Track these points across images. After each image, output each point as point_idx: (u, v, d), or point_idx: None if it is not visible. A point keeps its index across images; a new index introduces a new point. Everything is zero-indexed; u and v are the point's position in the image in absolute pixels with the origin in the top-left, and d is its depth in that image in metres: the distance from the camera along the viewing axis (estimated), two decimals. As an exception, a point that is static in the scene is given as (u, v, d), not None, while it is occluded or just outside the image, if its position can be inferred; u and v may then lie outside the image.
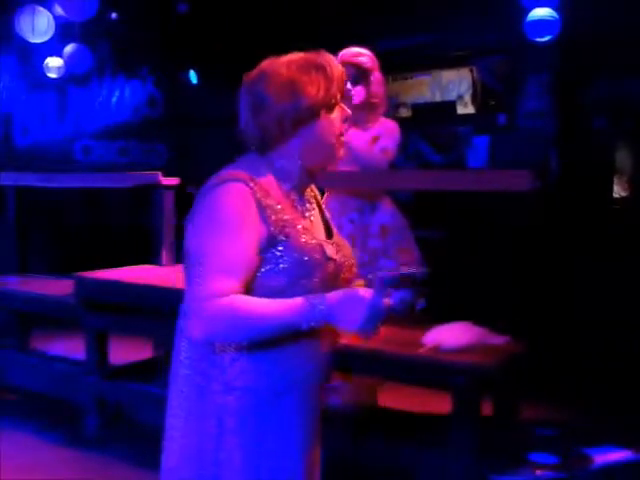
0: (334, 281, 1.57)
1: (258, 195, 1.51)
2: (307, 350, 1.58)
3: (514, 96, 5.74)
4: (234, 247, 1.47)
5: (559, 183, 5.39)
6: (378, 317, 1.46)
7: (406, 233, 3.31)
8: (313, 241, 1.56)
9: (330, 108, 1.60)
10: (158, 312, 2.97)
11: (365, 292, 1.48)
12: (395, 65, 6.24)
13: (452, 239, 5.11)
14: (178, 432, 1.61)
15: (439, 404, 2.79)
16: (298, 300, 1.47)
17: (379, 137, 3.24)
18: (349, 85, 3.25)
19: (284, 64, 1.59)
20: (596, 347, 4.36)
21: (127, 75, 6.86)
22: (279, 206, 1.54)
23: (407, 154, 6.06)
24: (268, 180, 1.56)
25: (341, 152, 1.64)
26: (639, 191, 5.70)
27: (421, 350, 2.59)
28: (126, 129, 6.88)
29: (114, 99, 6.88)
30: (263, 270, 1.50)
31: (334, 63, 1.63)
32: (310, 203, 1.67)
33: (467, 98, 6.20)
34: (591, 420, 3.75)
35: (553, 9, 4.69)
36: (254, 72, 1.62)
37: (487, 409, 2.74)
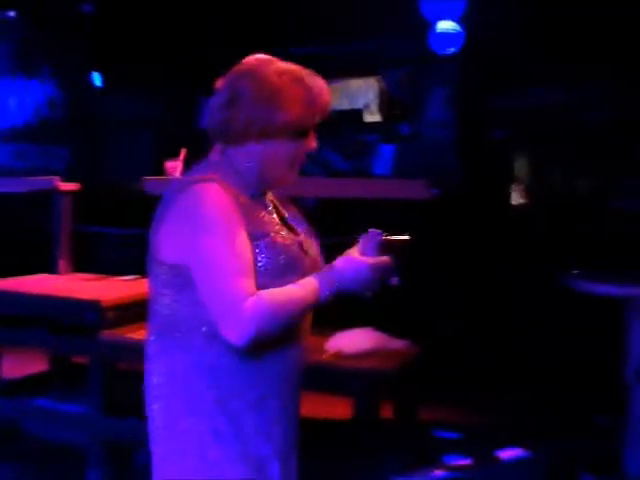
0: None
1: (231, 195, 1.48)
2: (289, 355, 1.57)
3: (418, 106, 5.89)
4: (238, 246, 1.45)
5: (461, 191, 5.56)
6: (379, 275, 1.53)
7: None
8: (289, 239, 1.55)
9: (300, 133, 1.54)
10: (54, 323, 2.89)
11: (363, 256, 1.53)
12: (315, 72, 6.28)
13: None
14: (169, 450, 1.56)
15: (344, 409, 2.83)
16: (310, 279, 1.49)
17: None
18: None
19: (276, 71, 1.54)
20: (505, 350, 4.52)
21: (27, 76, 6.62)
22: (250, 205, 1.52)
23: (314, 161, 6.11)
24: (234, 181, 1.53)
25: (291, 179, 1.59)
26: (535, 198, 5.95)
27: (324, 356, 2.63)
28: (24, 132, 6.63)
29: (13, 100, 6.62)
30: None
31: (326, 89, 1.56)
32: (270, 203, 1.63)
33: (374, 107, 6.31)
34: (489, 421, 3.88)
35: (456, 22, 4.83)
36: (242, 67, 1.57)
37: (388, 412, 2.79)
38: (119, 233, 5.67)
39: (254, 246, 1.48)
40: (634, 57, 4.95)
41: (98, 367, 2.89)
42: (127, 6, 6.06)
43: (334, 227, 4.82)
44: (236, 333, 1.41)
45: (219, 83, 1.59)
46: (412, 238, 1.59)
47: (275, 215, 1.61)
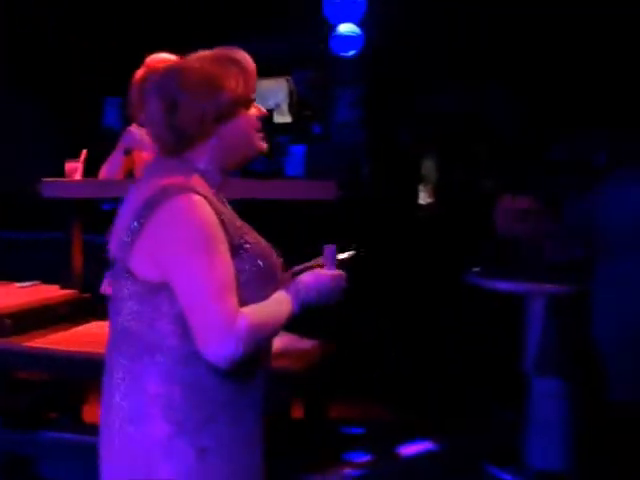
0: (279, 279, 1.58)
1: (211, 206, 1.45)
2: (256, 378, 1.55)
3: (327, 107, 5.94)
4: (223, 263, 1.43)
5: (370, 192, 5.64)
6: (340, 287, 1.61)
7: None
8: (264, 243, 1.56)
9: (247, 104, 1.55)
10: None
11: (327, 271, 1.59)
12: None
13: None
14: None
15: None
16: (282, 294, 1.52)
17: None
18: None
19: (197, 60, 1.53)
20: (412, 347, 4.59)
21: None
22: (226, 213, 1.49)
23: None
24: (202, 186, 1.49)
25: (263, 146, 1.59)
26: (442, 198, 6.10)
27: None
28: None
29: None
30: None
31: (248, 57, 1.57)
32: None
33: (284, 107, 6.31)
34: (400, 416, 3.95)
35: (356, 25, 4.92)
36: (162, 71, 1.55)
37: (298, 411, 2.80)
38: (15, 237, 5.46)
39: (237, 255, 1.47)
40: (533, 62, 5.15)
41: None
42: (21, 2, 5.85)
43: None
44: (222, 353, 1.40)
45: (137, 95, 1.57)
46: (358, 252, 1.70)
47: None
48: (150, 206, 1.44)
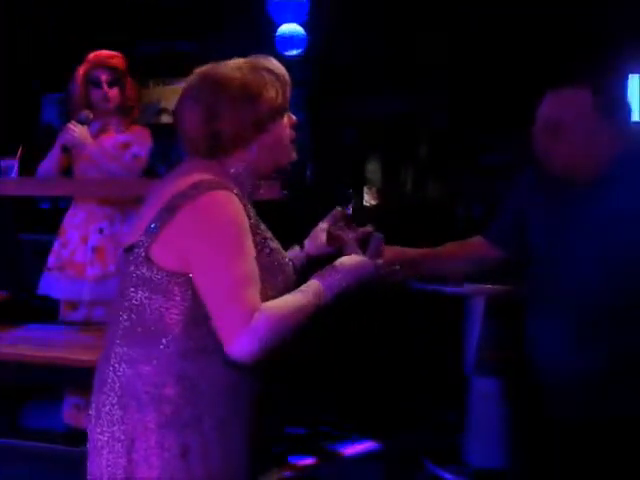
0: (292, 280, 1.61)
1: (242, 203, 1.49)
2: (249, 388, 1.54)
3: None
4: (248, 258, 1.45)
5: (313, 192, 5.66)
6: (381, 274, 1.64)
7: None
8: (277, 244, 1.59)
9: (283, 113, 1.60)
10: None
11: (362, 258, 1.62)
12: (155, 70, 6.14)
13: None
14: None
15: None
16: (314, 283, 1.53)
17: (130, 144, 3.17)
18: (106, 88, 3.16)
19: (235, 69, 1.57)
20: (355, 349, 4.61)
21: None
22: (253, 216, 1.53)
23: (169, 162, 5.98)
24: (234, 186, 1.52)
25: (294, 155, 1.65)
26: (386, 199, 6.16)
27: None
28: None
29: None
30: None
31: (281, 66, 1.63)
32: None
33: (229, 107, 6.28)
34: (338, 418, 3.96)
35: (300, 25, 4.93)
36: (196, 79, 1.58)
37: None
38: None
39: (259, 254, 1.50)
40: (468, 65, 5.26)
41: None
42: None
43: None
44: (241, 350, 1.40)
45: (186, 102, 1.58)
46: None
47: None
48: (183, 198, 1.46)
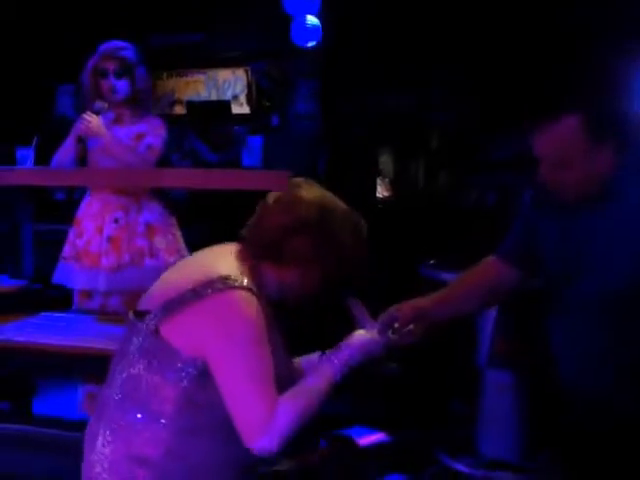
0: None
1: (262, 305, 1.53)
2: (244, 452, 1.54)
3: (286, 98, 5.92)
4: (265, 358, 1.50)
5: (327, 184, 5.65)
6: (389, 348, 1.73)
7: (173, 232, 3.27)
8: (285, 354, 1.64)
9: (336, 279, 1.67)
10: None
11: (370, 335, 1.69)
12: (170, 62, 6.16)
13: (226, 236, 5.15)
14: None
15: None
16: (325, 367, 1.59)
17: (144, 134, 3.17)
18: (113, 80, 3.17)
19: (340, 216, 1.65)
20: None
21: None
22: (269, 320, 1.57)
23: (182, 152, 6.00)
24: (259, 291, 1.56)
25: (301, 304, 1.69)
26: (399, 191, 6.15)
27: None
28: None
29: None
30: None
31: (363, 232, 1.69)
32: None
33: (242, 98, 6.28)
34: (353, 408, 3.97)
35: (315, 16, 4.92)
36: (307, 199, 1.65)
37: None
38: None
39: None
40: (480, 59, 5.23)
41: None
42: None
43: (205, 216, 4.78)
44: (267, 444, 1.46)
45: (276, 202, 1.67)
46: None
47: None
48: (209, 288, 1.50)
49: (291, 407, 1.48)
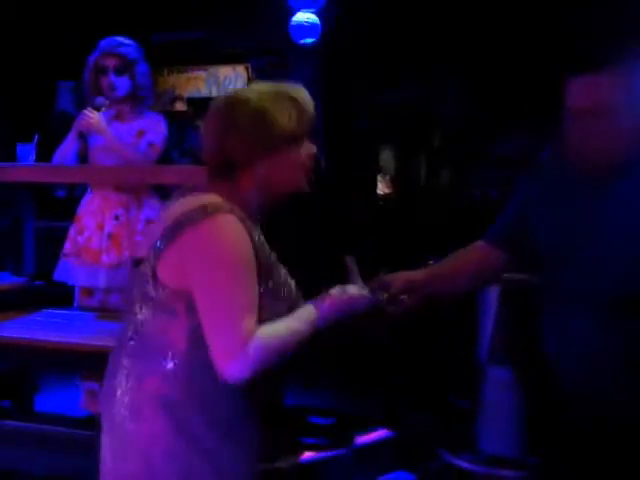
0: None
1: (246, 225, 1.52)
2: (259, 385, 1.54)
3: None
4: (248, 284, 1.49)
5: (327, 180, 5.65)
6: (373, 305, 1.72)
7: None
8: (283, 276, 1.62)
9: (298, 141, 1.61)
10: None
11: (354, 289, 1.67)
12: (170, 58, 6.16)
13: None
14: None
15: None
16: (308, 310, 1.59)
17: (145, 131, 3.17)
18: (113, 77, 3.16)
19: (256, 92, 1.60)
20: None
21: None
22: (256, 237, 1.55)
23: (182, 149, 6.00)
24: (242, 209, 1.55)
25: (305, 185, 1.66)
26: (400, 188, 6.15)
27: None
28: None
29: None
30: None
31: (307, 97, 1.64)
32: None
33: (242, 95, 6.29)
34: (354, 403, 3.97)
35: (316, 13, 4.92)
36: (223, 99, 1.64)
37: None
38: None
39: (262, 280, 1.53)
40: (482, 55, 5.22)
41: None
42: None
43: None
44: (233, 373, 1.45)
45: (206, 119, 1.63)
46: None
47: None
48: (188, 219, 1.50)
49: (266, 339, 1.47)
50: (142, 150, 3.13)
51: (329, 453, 2.97)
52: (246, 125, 1.56)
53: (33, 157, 3.03)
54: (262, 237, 1.61)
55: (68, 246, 3.18)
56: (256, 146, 1.57)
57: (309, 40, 5.00)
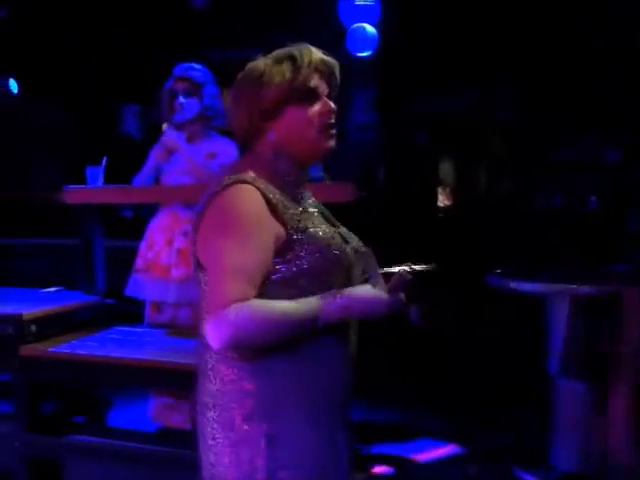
0: (351, 271, 1.56)
1: (267, 193, 1.48)
2: (330, 366, 1.53)
3: (344, 109, 5.94)
4: (246, 250, 1.44)
5: (387, 194, 5.63)
6: (393, 311, 1.53)
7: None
8: (330, 232, 1.56)
9: (302, 99, 1.53)
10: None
11: (381, 293, 1.51)
12: (229, 78, 6.25)
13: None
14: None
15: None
16: (315, 300, 1.47)
17: (216, 154, 3.24)
18: (182, 99, 3.27)
19: (262, 60, 1.57)
20: (432, 348, 4.57)
21: None
22: (287, 202, 1.51)
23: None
24: (269, 176, 1.52)
25: (328, 144, 1.57)
26: (461, 200, 6.08)
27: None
28: None
29: None
30: (285, 271, 1.48)
31: (308, 52, 1.55)
32: (306, 196, 1.63)
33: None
34: (422, 418, 3.93)
35: (373, 26, 4.93)
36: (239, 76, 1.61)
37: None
38: (37, 244, 5.50)
39: (294, 243, 1.48)
40: (536, 61, 5.15)
41: (20, 383, 2.79)
42: (42, 11, 5.90)
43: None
44: (212, 335, 1.42)
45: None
46: (433, 268, 1.64)
47: (315, 210, 1.62)
48: (210, 196, 1.51)
49: (252, 309, 1.41)
50: (214, 172, 3.19)
51: (399, 469, 2.95)
52: (247, 93, 1.55)
53: (102, 179, 3.12)
54: (312, 208, 1.58)
55: (139, 262, 3.26)
56: (253, 113, 1.54)
57: (366, 53, 5.01)
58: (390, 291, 1.52)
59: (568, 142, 5.45)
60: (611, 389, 2.81)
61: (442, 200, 6.18)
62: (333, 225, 1.66)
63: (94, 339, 2.82)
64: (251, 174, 1.51)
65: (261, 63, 1.56)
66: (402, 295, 1.54)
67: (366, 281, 1.55)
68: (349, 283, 1.55)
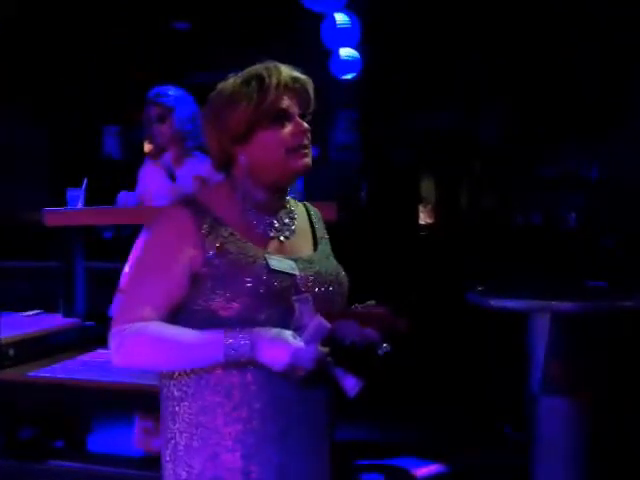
0: (281, 306, 1.42)
1: (199, 217, 1.44)
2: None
3: (326, 130, 5.98)
4: (154, 275, 1.44)
5: (368, 213, 5.66)
6: (304, 365, 1.35)
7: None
8: (251, 255, 1.43)
9: (272, 121, 1.46)
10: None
11: (296, 342, 1.35)
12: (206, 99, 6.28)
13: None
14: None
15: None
16: (218, 334, 1.37)
17: (207, 178, 3.26)
18: (155, 126, 3.29)
19: (230, 81, 1.50)
20: (413, 366, 4.57)
21: None
22: (226, 227, 1.45)
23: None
24: (222, 201, 1.49)
25: (300, 162, 1.47)
26: (443, 218, 6.12)
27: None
28: None
29: None
30: (203, 297, 1.42)
31: (277, 71, 1.48)
32: (285, 220, 1.54)
33: (282, 131, 6.35)
34: (406, 437, 3.92)
35: (354, 48, 4.98)
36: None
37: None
38: (16, 266, 5.45)
39: (213, 267, 1.41)
40: (522, 79, 5.21)
41: (-2, 408, 2.76)
42: (19, 32, 5.89)
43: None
44: (112, 354, 1.45)
45: None
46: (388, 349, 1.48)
47: (289, 229, 1.54)
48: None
49: (146, 332, 1.39)
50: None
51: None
52: (215, 116, 1.49)
53: (83, 201, 3.11)
54: (287, 228, 1.52)
55: (123, 282, 3.24)
56: (227, 135, 1.48)
57: (350, 75, 5.07)
58: (306, 341, 1.34)
59: (549, 160, 5.51)
60: (593, 405, 2.81)
61: (423, 218, 6.22)
62: (307, 255, 1.55)
63: (74, 362, 2.79)
64: (195, 197, 1.51)
65: (229, 84, 1.50)
66: (322, 348, 1.35)
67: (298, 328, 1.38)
68: (282, 322, 1.40)
